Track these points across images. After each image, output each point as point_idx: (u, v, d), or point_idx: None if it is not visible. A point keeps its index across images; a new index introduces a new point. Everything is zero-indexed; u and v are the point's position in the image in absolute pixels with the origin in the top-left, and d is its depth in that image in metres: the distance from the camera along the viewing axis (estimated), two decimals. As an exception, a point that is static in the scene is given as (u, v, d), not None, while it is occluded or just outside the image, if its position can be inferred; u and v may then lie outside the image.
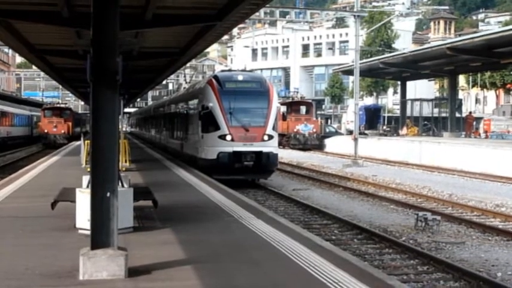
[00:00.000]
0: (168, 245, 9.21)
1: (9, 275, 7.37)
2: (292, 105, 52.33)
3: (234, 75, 24.41)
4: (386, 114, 65.61)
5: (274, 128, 23.38)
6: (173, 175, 21.15)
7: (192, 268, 7.77)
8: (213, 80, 23.65)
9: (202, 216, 12.12)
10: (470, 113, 51.02)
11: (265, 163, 22.79)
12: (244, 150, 22.54)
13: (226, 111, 22.76)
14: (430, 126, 56.45)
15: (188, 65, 44.34)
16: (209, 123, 23.07)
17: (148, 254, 8.52)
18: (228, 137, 22.61)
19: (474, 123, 56.96)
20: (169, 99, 39.26)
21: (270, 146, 23.03)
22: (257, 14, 32.60)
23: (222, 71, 29.50)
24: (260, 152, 22.63)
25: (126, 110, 69.34)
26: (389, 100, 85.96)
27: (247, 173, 23.03)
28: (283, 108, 51.08)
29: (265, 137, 22.89)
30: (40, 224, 10.79)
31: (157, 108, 45.60)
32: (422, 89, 75.84)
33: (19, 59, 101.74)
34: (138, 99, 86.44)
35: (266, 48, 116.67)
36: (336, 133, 61.50)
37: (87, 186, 9.61)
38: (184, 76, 52.07)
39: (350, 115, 55.62)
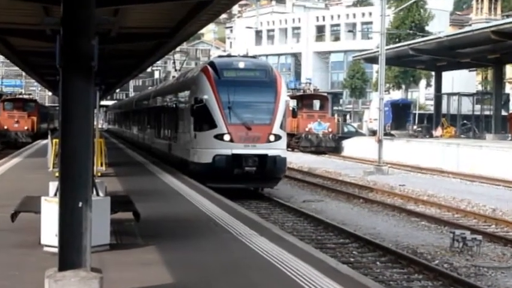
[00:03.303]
0: (151, 266, 9.21)
1: (-40, 300, 7.39)
2: (304, 99, 52.28)
3: (234, 62, 24.39)
4: (417, 111, 65.51)
5: (282, 127, 23.37)
6: (159, 182, 21.14)
7: (180, 295, 7.77)
8: (209, 68, 23.65)
9: (193, 232, 12.11)
10: (513, 110, 50.50)
11: (270, 169, 22.77)
12: (245, 153, 22.52)
13: (224, 105, 22.75)
14: (470, 127, 56.43)
15: (178, 49, 44.28)
16: (203, 119, 23.07)
17: (128, 276, 8.52)
18: (226, 137, 22.60)
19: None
20: (155, 91, 39.27)
21: (277, 149, 23.01)
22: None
23: (220, 56, 29.49)
24: (265, 156, 22.61)
25: (103, 103, 69.35)
26: (421, 94, 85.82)
27: (249, 180, 23.01)
28: (293, 103, 51.09)
29: (271, 138, 22.88)
30: (-3, 240, 10.81)
31: (140, 101, 45.59)
32: (461, 81, 75.71)
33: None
34: (117, 91, 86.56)
35: (273, 30, 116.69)
36: (356, 133, 61.49)
37: (55, 195, 9.62)
38: (174, 63, 52.04)
39: (373, 112, 55.61)
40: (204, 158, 22.81)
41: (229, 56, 29.25)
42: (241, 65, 23.93)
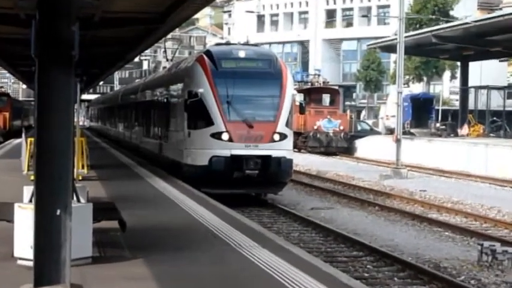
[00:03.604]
0: (138, 282, 9.21)
1: None
2: (312, 93, 52.27)
3: (234, 50, 24.39)
4: (440, 107, 65.58)
5: (288, 125, 23.36)
6: (148, 187, 21.14)
7: (172, 314, 7.78)
8: (205, 57, 23.64)
9: (187, 242, 12.12)
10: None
11: (275, 172, 22.75)
12: (246, 154, 22.50)
13: (222, 100, 22.73)
14: (501, 124, 56.35)
15: (170, 36, 44.22)
16: (198, 116, 23.06)
17: (113, 294, 8.52)
18: (225, 136, 22.59)
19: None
20: (144, 84, 39.29)
21: (282, 149, 23.00)
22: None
23: (217, 44, 29.51)
24: (268, 157, 22.59)
25: (84, 97, 69.35)
26: (445, 87, 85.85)
27: (250, 185, 23.00)
28: (299, 97, 51.09)
29: (276, 137, 22.87)
30: (-35, 252, 10.80)
31: (126, 95, 45.61)
32: (491, 72, 75.73)
33: None
34: (101, 83, 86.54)
35: (277, 15, 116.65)
36: (371, 132, 61.50)
37: (30, 201, 9.61)
38: (165, 51, 52.00)
39: (391, 107, 55.59)
40: (200, 160, 22.79)
41: (227, 43, 29.25)
42: (242, 54, 23.91)
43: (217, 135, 22.62)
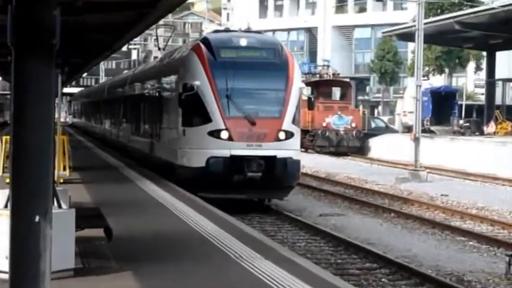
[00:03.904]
0: (127, 298, 9.22)
1: None
2: (320, 87, 52.24)
3: (234, 38, 24.38)
4: (464, 102, 65.60)
5: (294, 122, 23.34)
6: (137, 191, 21.16)
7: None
8: (201, 46, 23.63)
9: (181, 253, 12.14)
10: None
11: (280, 175, 22.73)
12: (248, 154, 22.50)
13: (220, 93, 22.72)
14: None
15: (162, 22, 44.15)
16: (194, 111, 23.06)
17: (98, 310, 8.52)
18: (224, 134, 22.57)
19: None
20: (133, 75, 39.33)
21: (289, 149, 23.00)
22: None
23: (215, 31, 29.49)
24: (273, 158, 22.58)
25: (66, 90, 69.43)
26: (469, 80, 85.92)
27: (253, 189, 22.97)
28: (307, 91, 51.03)
29: (281, 135, 22.86)
30: None
31: (113, 88, 45.67)
32: (520, 63, 75.84)
33: None
34: (85, 75, 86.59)
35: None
36: (387, 129, 61.52)
37: (5, 206, 9.61)
38: (156, 39, 52.08)
39: (408, 102, 55.60)
40: (195, 161, 22.78)
41: (227, 30, 29.21)
42: (243, 42, 23.88)
43: (215, 134, 22.61)
